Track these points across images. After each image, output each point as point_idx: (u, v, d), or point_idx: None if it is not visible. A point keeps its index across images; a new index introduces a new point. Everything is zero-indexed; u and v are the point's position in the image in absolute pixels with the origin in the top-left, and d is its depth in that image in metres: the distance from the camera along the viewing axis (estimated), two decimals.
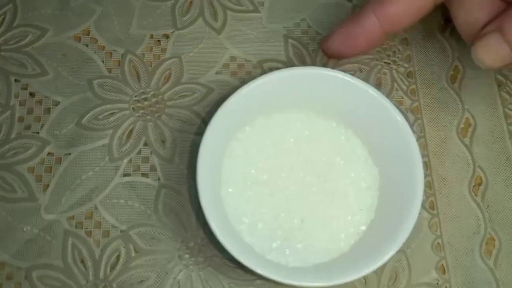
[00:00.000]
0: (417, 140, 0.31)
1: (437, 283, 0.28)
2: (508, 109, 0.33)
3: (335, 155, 0.27)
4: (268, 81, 0.26)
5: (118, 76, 0.31)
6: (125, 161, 0.29)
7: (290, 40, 0.33)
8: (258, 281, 0.27)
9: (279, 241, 0.25)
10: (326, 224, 0.25)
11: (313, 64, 0.32)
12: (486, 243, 0.29)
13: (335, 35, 0.30)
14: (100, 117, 0.30)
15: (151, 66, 0.31)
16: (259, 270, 0.22)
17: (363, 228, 0.26)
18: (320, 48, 0.32)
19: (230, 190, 0.26)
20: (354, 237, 0.25)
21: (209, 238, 0.28)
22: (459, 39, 0.34)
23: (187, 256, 0.27)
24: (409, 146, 0.26)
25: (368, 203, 0.26)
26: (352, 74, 0.33)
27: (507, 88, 0.33)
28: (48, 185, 0.28)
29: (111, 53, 0.32)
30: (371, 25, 0.28)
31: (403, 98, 0.32)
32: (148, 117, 0.30)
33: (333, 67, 0.32)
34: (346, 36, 0.29)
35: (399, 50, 0.34)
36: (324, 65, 0.33)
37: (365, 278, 0.28)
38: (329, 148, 0.27)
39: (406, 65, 0.33)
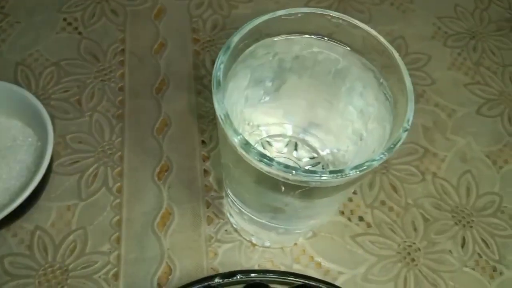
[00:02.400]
0: (116, 139, 0.38)
1: (110, 251, 0.34)
2: (202, 111, 0.40)
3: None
4: None
5: None
6: None
7: (20, 66, 0.41)
8: None
9: None
10: None
11: (37, 83, 0.40)
12: (162, 217, 0.36)
13: None
14: None
15: None
16: None
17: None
18: None
19: None
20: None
21: None
22: (169, 60, 0.42)
23: None
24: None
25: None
26: (70, 90, 0.40)
27: (204, 94, 0.41)
28: None
29: None
30: None
31: (111, 107, 0.40)
32: None
33: (53, 83, 0.40)
34: None
35: (114, 69, 0.41)
36: (48, 83, 0.40)
37: (46, 249, 0.34)
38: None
39: (118, 81, 0.41)
